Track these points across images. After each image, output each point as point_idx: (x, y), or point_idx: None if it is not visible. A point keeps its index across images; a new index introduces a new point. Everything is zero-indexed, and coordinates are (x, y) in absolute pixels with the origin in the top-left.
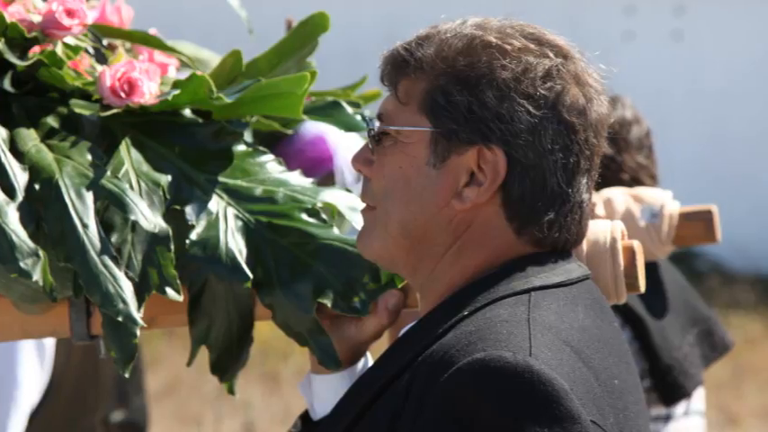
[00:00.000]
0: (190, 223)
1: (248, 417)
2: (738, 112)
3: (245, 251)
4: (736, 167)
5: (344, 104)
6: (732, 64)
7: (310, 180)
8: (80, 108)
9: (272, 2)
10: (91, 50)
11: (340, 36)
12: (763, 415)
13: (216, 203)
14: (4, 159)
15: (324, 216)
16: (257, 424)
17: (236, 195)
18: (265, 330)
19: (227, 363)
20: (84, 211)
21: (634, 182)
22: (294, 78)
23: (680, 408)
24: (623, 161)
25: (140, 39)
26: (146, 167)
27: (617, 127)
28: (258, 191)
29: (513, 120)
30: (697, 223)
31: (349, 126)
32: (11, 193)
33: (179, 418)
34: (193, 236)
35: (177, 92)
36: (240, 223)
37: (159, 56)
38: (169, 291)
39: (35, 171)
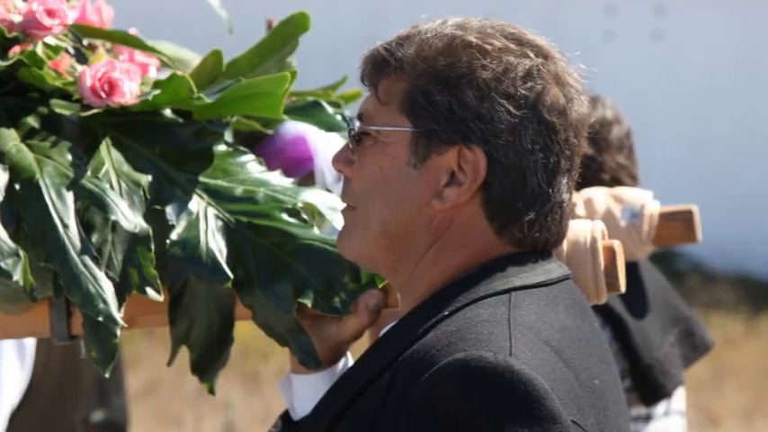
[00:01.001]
0: (170, 223)
1: (229, 417)
2: (719, 112)
3: (225, 251)
4: (716, 167)
5: (325, 104)
6: (712, 64)
7: (291, 180)
8: (60, 108)
9: (253, 2)
10: (71, 50)
11: (320, 36)
12: (743, 415)
13: (196, 203)
14: None
15: (304, 216)
16: (238, 424)
17: (217, 195)
18: (246, 330)
19: (208, 363)
20: (64, 211)
21: (614, 182)
22: (274, 78)
23: (660, 407)
24: (604, 161)
25: (120, 39)
26: (126, 167)
27: (597, 127)
28: (239, 191)
29: (493, 120)
30: (677, 223)
31: (329, 126)
32: None
33: (159, 418)
34: (174, 236)
35: (158, 92)
36: (220, 223)
37: (139, 56)
38: (149, 291)
39: (15, 171)
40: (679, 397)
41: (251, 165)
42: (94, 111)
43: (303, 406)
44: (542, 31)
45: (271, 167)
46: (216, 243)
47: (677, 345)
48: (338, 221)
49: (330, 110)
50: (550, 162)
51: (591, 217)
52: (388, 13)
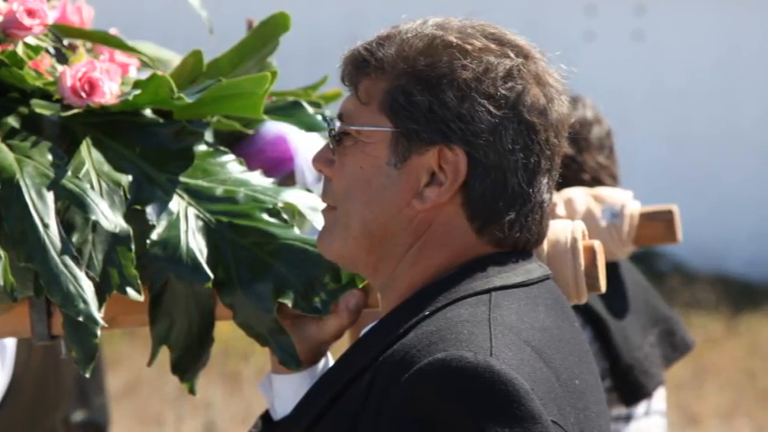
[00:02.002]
0: (150, 223)
1: (209, 417)
2: (699, 112)
3: (205, 251)
4: (696, 167)
5: (305, 104)
6: (693, 64)
7: (271, 180)
8: (41, 108)
9: (233, 2)
10: (52, 50)
11: (301, 36)
12: (723, 415)
13: (177, 203)
14: None
15: (285, 216)
16: (218, 424)
17: (197, 195)
18: (226, 330)
19: (188, 363)
20: (44, 210)
21: (595, 182)
22: (255, 78)
23: (641, 408)
24: (584, 161)
25: (101, 39)
26: (107, 167)
27: (578, 127)
28: (219, 191)
29: (473, 120)
30: (658, 223)
31: (310, 126)
32: None
33: (140, 418)
34: (154, 236)
35: (138, 92)
36: (201, 223)
37: (120, 56)
38: (130, 291)
39: None
40: (659, 397)
41: (231, 165)
42: (75, 111)
43: (283, 406)
44: (522, 31)
45: (251, 167)
46: (196, 243)
47: (657, 345)
48: (318, 221)
49: (310, 110)
50: (531, 162)
51: (571, 217)
52: (368, 13)
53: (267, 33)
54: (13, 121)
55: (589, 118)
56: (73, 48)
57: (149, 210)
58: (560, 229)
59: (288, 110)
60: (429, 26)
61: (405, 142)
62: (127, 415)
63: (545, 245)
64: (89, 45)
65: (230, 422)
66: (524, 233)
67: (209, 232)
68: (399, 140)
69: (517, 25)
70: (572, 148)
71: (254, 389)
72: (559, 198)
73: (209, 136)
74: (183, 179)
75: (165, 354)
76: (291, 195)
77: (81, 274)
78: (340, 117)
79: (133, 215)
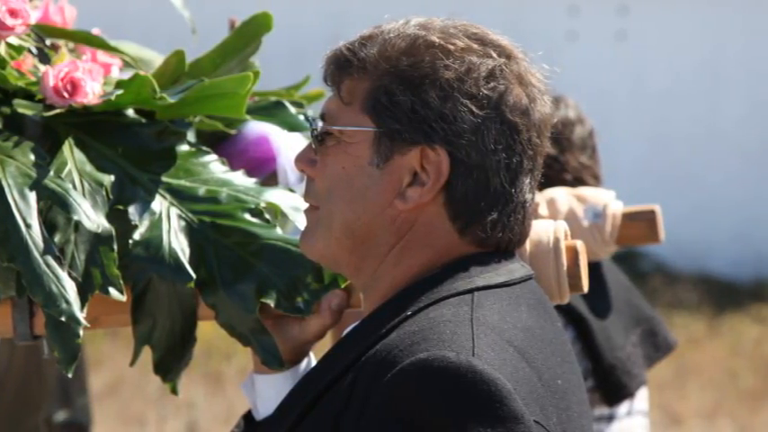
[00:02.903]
0: (133, 223)
1: (191, 417)
2: (681, 112)
3: (188, 251)
4: (679, 168)
5: (288, 104)
6: (675, 64)
7: (254, 180)
8: (23, 108)
9: (215, 1)
10: (34, 50)
11: (283, 36)
12: (706, 415)
13: (159, 203)
14: None
15: (267, 216)
16: (200, 424)
17: (180, 195)
18: (208, 330)
19: (171, 363)
20: (27, 210)
21: (577, 182)
22: (237, 78)
23: (623, 408)
24: (566, 161)
25: (83, 39)
26: (89, 167)
27: (560, 127)
28: (201, 191)
29: (456, 120)
30: (640, 223)
31: (292, 126)
32: None
33: (122, 418)
34: (136, 236)
35: (120, 92)
36: (183, 223)
37: (102, 56)
38: (112, 291)
39: None
40: (642, 397)
41: (214, 165)
42: (57, 111)
43: (266, 406)
44: (505, 31)
45: (234, 167)
46: (179, 243)
47: (640, 345)
48: (301, 221)
49: (293, 110)
50: (513, 162)
51: (554, 217)
52: (350, 13)
53: (249, 33)
54: None
55: (572, 118)
56: (55, 48)
57: (132, 210)
58: (543, 230)
59: (270, 110)
60: (411, 26)
61: (387, 142)
62: (109, 415)
63: (527, 245)
64: (71, 45)
65: (212, 422)
66: (507, 233)
67: (192, 232)
68: (382, 140)
69: (499, 25)
70: (554, 148)
71: (237, 389)
72: (542, 198)
73: (191, 136)
74: (165, 179)
75: (147, 354)
76: (274, 195)
77: (63, 274)
78: (322, 117)
79: (115, 215)
